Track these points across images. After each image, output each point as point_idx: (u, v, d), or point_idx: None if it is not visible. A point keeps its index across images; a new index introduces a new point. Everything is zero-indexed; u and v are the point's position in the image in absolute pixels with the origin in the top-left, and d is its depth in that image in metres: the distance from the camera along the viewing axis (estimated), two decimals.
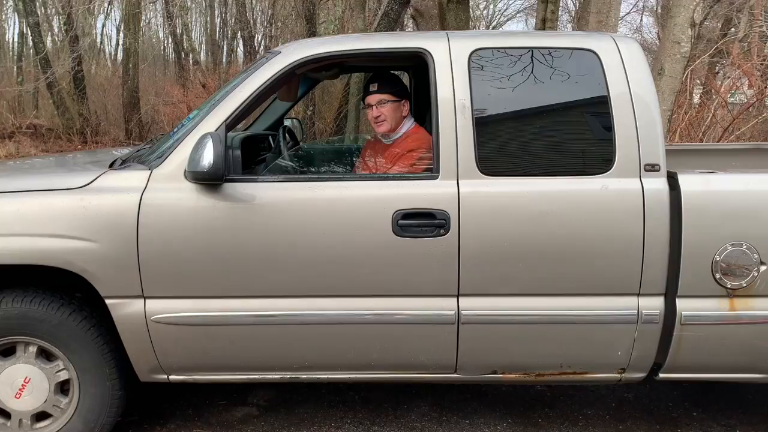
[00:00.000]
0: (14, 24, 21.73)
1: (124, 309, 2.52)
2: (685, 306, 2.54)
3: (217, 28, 20.77)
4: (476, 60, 2.60)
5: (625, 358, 2.63)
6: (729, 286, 2.52)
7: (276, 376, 2.69)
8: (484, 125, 2.56)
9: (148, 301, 2.52)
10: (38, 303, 2.55)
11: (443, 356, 2.63)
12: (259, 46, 16.08)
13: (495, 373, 2.68)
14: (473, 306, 2.55)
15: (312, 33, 10.87)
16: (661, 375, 2.70)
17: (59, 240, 2.45)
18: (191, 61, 17.92)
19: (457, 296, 2.54)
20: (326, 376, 2.71)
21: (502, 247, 2.51)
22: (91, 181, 2.54)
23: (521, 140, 2.69)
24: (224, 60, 19.26)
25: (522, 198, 2.52)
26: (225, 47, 20.47)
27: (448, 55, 2.60)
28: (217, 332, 2.57)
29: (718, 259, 2.49)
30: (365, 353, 2.62)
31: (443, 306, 2.55)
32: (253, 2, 17.80)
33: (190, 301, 2.53)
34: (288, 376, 2.69)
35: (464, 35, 2.76)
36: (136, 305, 2.51)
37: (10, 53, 21.81)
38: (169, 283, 2.51)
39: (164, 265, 2.48)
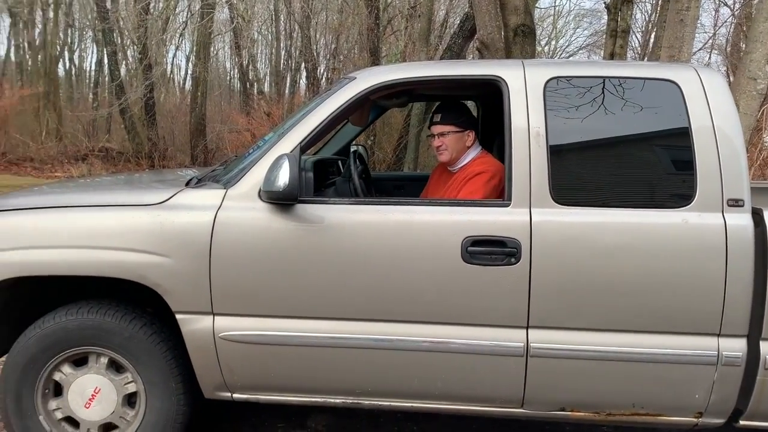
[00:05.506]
0: (92, 53, 22.97)
1: (193, 324, 2.55)
2: None
3: (282, 60, 21.35)
4: (552, 88, 2.57)
5: (703, 401, 2.50)
6: None
7: (338, 400, 2.66)
8: (558, 154, 2.52)
9: (217, 318, 2.55)
10: (112, 315, 2.62)
11: (509, 390, 2.55)
12: (322, 78, 16.43)
13: (563, 410, 2.59)
14: (543, 339, 2.48)
15: (374, 66, 11.04)
16: (742, 422, 2.54)
17: (134, 254, 2.51)
18: (256, 90, 18.45)
19: (527, 328, 2.48)
20: (388, 403, 2.66)
21: (575, 278, 2.44)
22: (168, 198, 2.61)
23: (597, 170, 2.62)
24: (287, 90, 19.76)
25: (597, 229, 2.45)
26: (288, 78, 21.00)
27: (524, 83, 2.58)
28: (282, 352, 2.57)
29: None
30: (429, 382, 2.57)
31: (512, 337, 2.49)
32: (318, 36, 18.25)
33: (257, 320, 2.55)
34: (350, 401, 2.66)
35: (540, 63, 2.74)
36: (205, 321, 2.55)
37: (87, 80, 23.01)
38: (239, 300, 2.53)
39: (234, 283, 2.51)
